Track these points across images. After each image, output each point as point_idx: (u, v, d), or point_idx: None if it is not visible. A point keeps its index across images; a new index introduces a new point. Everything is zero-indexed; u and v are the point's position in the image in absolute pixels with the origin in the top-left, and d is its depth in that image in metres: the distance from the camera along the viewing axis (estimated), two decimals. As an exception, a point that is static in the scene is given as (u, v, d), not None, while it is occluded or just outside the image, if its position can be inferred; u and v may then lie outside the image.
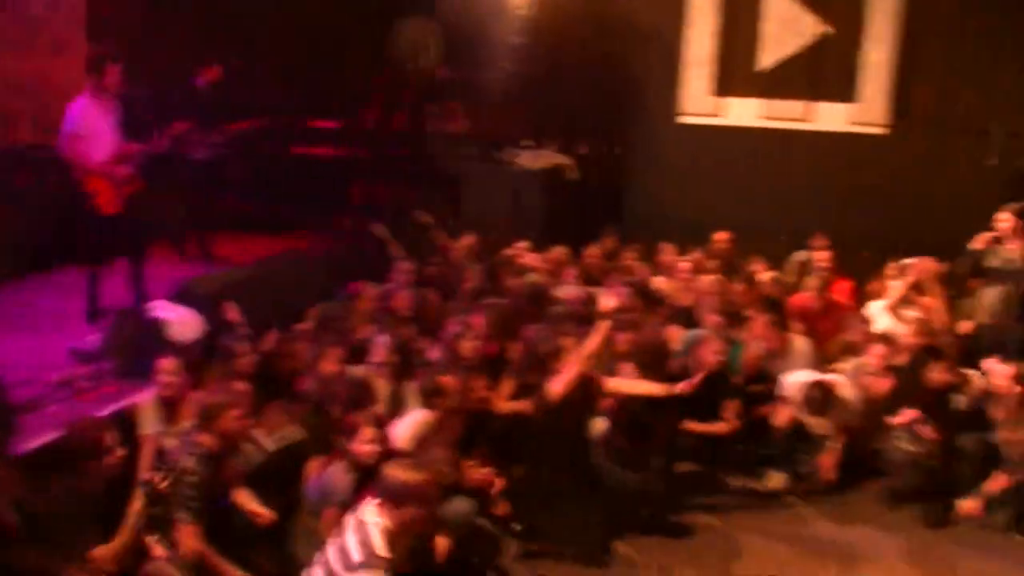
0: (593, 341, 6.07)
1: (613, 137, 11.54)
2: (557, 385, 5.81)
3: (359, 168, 10.67)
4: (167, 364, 5.79)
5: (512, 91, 10.59)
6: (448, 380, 5.79)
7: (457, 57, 10.89)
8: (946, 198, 10.54)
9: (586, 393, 6.06)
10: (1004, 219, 8.17)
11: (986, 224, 9.81)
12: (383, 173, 10.88)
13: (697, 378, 6.16)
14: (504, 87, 10.52)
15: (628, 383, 6.29)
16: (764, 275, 9.19)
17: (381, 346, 6.57)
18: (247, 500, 5.19)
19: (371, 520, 4.20)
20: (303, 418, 5.84)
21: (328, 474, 5.18)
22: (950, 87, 10.59)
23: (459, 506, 5.37)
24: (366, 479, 4.83)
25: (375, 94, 11.02)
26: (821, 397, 6.69)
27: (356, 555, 4.13)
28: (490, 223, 10.03)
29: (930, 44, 10.64)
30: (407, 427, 5.70)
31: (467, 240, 9.43)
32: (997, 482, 6.38)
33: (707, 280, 8.56)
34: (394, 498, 4.20)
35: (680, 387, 6.07)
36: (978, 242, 8.30)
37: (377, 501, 4.25)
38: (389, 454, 5.12)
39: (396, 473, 4.27)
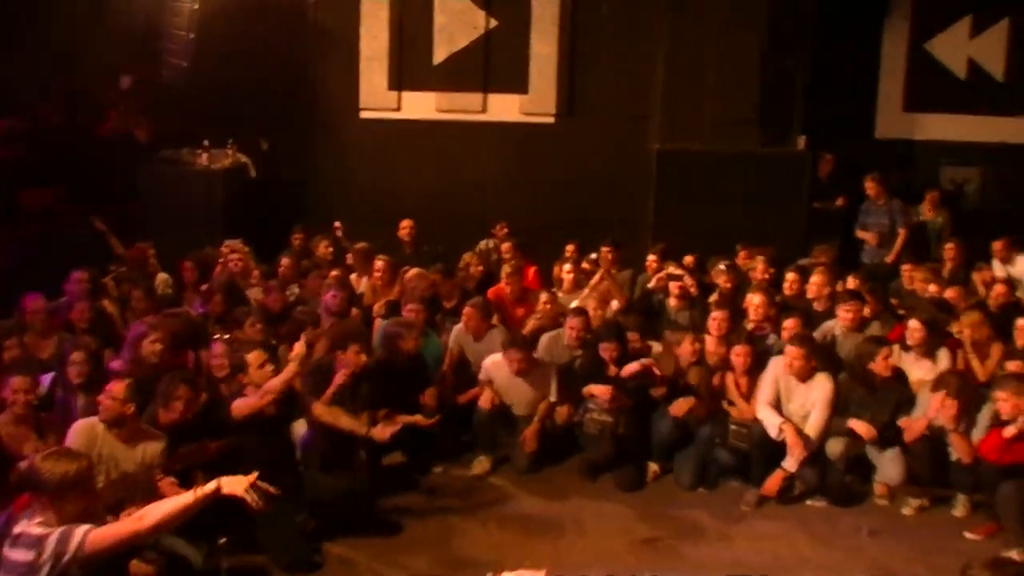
0: (296, 352, 5.98)
1: (296, 133, 11.28)
2: (241, 408, 5.65)
3: (29, 171, 9.75)
4: None
5: (189, 88, 10.09)
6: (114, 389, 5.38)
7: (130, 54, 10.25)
8: (612, 180, 11.20)
9: (287, 399, 5.95)
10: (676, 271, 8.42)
11: (646, 202, 10.62)
12: (55, 176, 10.01)
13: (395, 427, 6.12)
14: (180, 84, 10.00)
15: (332, 413, 6.10)
16: (473, 265, 9.34)
17: (75, 364, 6.19)
18: None
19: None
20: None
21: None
22: (611, 76, 11.23)
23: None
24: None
25: (55, 94, 10.12)
26: None
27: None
28: (171, 226, 9.60)
29: (590, 37, 11.22)
30: (72, 435, 5.28)
31: (143, 246, 9.01)
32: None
33: (409, 273, 8.56)
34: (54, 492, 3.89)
35: (382, 432, 6.06)
36: (653, 280, 8.60)
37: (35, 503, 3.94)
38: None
39: (48, 466, 3.93)
